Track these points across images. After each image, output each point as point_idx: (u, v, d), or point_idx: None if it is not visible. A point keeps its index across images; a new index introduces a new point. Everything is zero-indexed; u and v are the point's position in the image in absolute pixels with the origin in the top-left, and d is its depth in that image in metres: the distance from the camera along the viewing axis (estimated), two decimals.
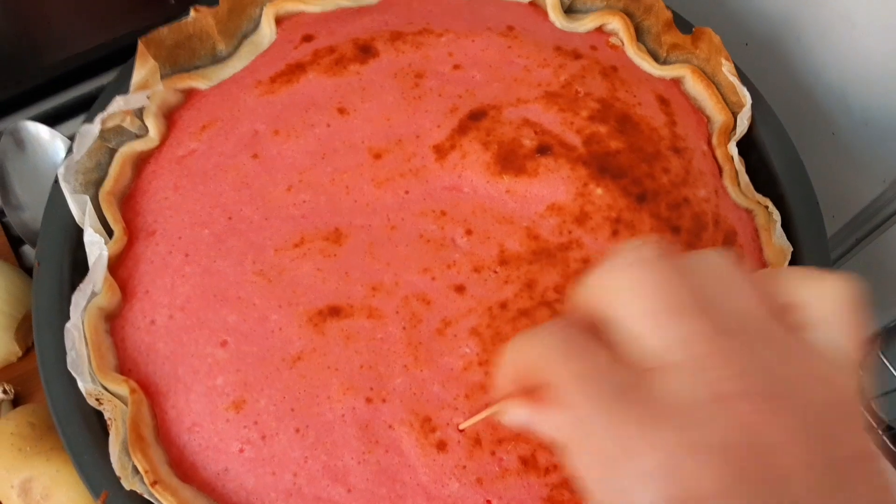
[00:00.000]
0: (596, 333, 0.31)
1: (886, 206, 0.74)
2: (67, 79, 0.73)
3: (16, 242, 0.67)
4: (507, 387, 0.34)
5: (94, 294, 0.51)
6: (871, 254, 0.80)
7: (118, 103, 0.56)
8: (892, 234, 0.75)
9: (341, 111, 0.58)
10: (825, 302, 0.30)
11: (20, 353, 0.60)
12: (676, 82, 0.62)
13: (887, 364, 0.93)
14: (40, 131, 0.64)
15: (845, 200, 0.78)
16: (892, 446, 0.95)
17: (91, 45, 0.70)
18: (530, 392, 0.32)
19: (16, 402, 0.58)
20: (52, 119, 0.70)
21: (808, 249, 0.55)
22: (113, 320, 0.52)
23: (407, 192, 0.56)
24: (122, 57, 0.60)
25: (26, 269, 0.63)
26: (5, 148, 0.63)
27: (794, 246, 0.55)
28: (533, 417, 0.32)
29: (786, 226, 0.56)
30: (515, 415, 0.33)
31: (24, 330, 0.60)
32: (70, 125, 0.71)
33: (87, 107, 0.59)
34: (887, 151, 0.71)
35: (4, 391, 0.57)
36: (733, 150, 0.58)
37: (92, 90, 0.73)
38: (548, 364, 0.31)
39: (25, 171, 0.63)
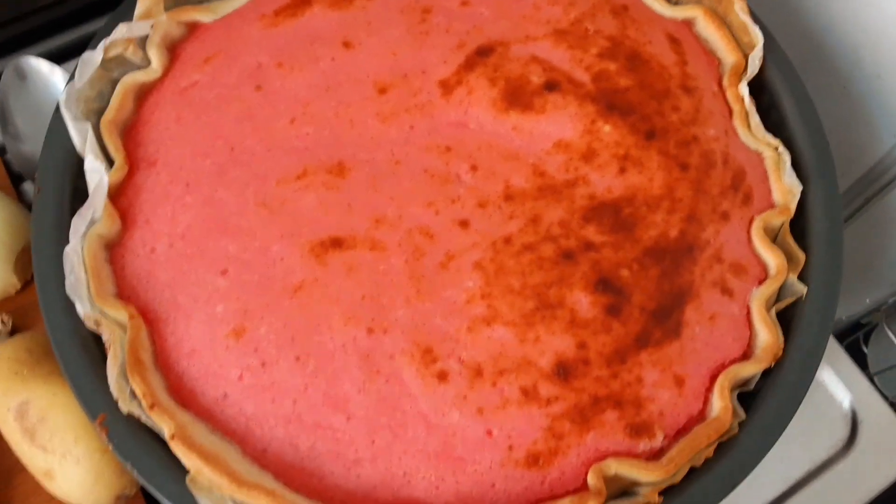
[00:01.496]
0: None
1: None
2: (71, 18, 0.73)
3: (16, 180, 0.66)
4: None
5: (93, 221, 0.50)
6: (880, 213, 0.79)
7: (121, 30, 0.55)
8: None
9: (346, 45, 0.58)
10: None
11: (18, 286, 0.60)
12: (688, 23, 0.61)
13: (893, 339, 0.93)
14: (41, 66, 0.64)
15: (856, 157, 0.77)
16: None
17: None
18: None
19: (13, 334, 0.58)
20: (56, 58, 0.69)
21: (818, 189, 0.54)
22: (112, 248, 0.51)
23: (412, 128, 0.55)
24: None
25: (26, 206, 0.63)
26: (7, 82, 0.63)
27: (803, 185, 0.54)
28: None
29: (795, 165, 0.55)
30: None
31: (22, 262, 0.59)
32: (73, 64, 0.70)
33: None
34: None
35: (2, 322, 0.57)
36: (744, 90, 0.57)
37: (95, 30, 0.72)
38: None
39: (27, 104, 0.63)
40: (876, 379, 0.98)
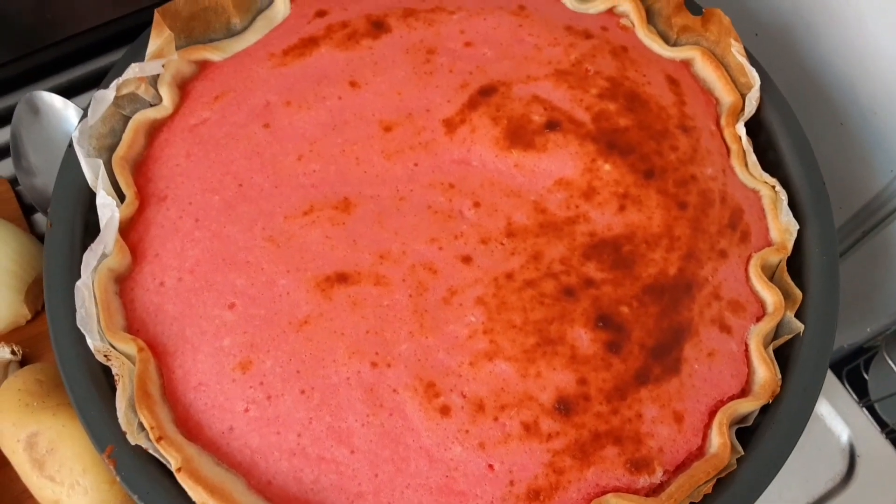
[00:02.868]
0: None
1: (894, 197, 0.74)
2: (83, 53, 0.74)
3: (28, 211, 0.67)
4: None
5: (104, 255, 0.51)
6: (878, 246, 0.80)
7: (133, 70, 0.56)
8: None
9: (353, 84, 0.59)
10: None
11: (29, 316, 0.60)
12: (686, 64, 0.62)
13: (893, 366, 0.93)
14: (54, 100, 0.65)
15: (852, 191, 0.78)
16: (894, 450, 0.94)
17: (107, 20, 0.71)
18: None
19: (23, 364, 0.59)
20: (68, 92, 0.71)
21: (814, 228, 0.55)
22: (122, 282, 0.52)
23: (416, 165, 0.56)
24: (138, 33, 0.61)
25: (37, 237, 0.64)
26: (21, 116, 0.64)
27: (800, 224, 0.55)
28: None
29: (792, 205, 0.56)
30: None
31: (33, 293, 0.60)
32: (84, 98, 0.72)
33: (101, 81, 0.59)
34: (895, 141, 0.71)
35: (13, 352, 0.58)
36: (741, 130, 0.58)
37: (106, 65, 0.74)
38: None
39: (39, 138, 0.64)
40: (877, 406, 0.98)
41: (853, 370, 1.02)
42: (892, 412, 0.98)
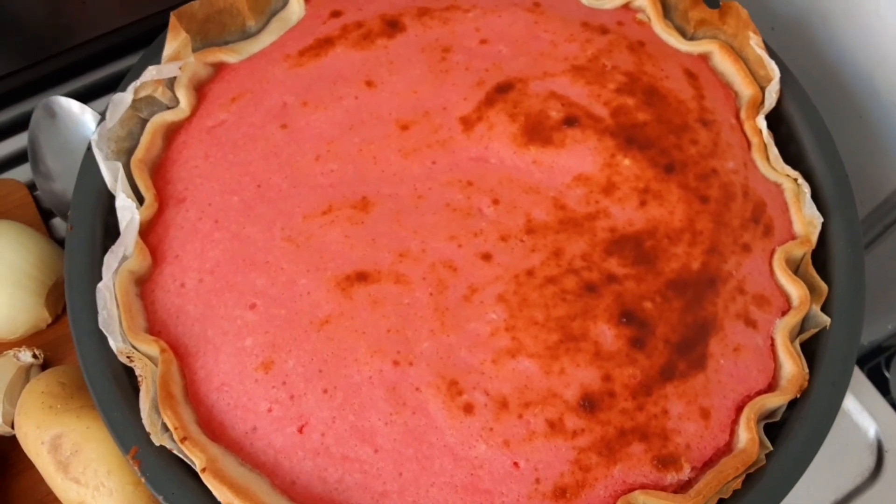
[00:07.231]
0: None
1: None
2: (99, 58, 0.74)
3: (46, 216, 0.68)
4: None
5: (125, 257, 0.51)
6: None
7: (150, 73, 0.56)
8: None
9: (369, 84, 0.59)
10: None
11: (50, 320, 0.61)
12: (704, 58, 0.62)
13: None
14: (71, 105, 0.65)
15: (873, 186, 0.77)
16: None
17: (123, 24, 0.71)
18: None
19: (45, 368, 0.59)
20: (84, 97, 0.71)
21: (838, 220, 0.55)
22: (143, 283, 0.52)
23: (434, 163, 0.56)
24: (153, 37, 0.61)
25: (56, 241, 0.64)
26: (38, 121, 0.64)
27: (824, 217, 0.54)
28: None
29: (815, 197, 0.56)
30: None
31: (53, 297, 0.60)
32: (101, 103, 0.72)
33: (117, 85, 0.59)
34: None
35: (34, 356, 0.58)
36: (762, 123, 0.58)
37: (122, 69, 0.75)
38: None
39: (57, 143, 0.64)
40: None
41: (874, 368, 1.01)
42: None
